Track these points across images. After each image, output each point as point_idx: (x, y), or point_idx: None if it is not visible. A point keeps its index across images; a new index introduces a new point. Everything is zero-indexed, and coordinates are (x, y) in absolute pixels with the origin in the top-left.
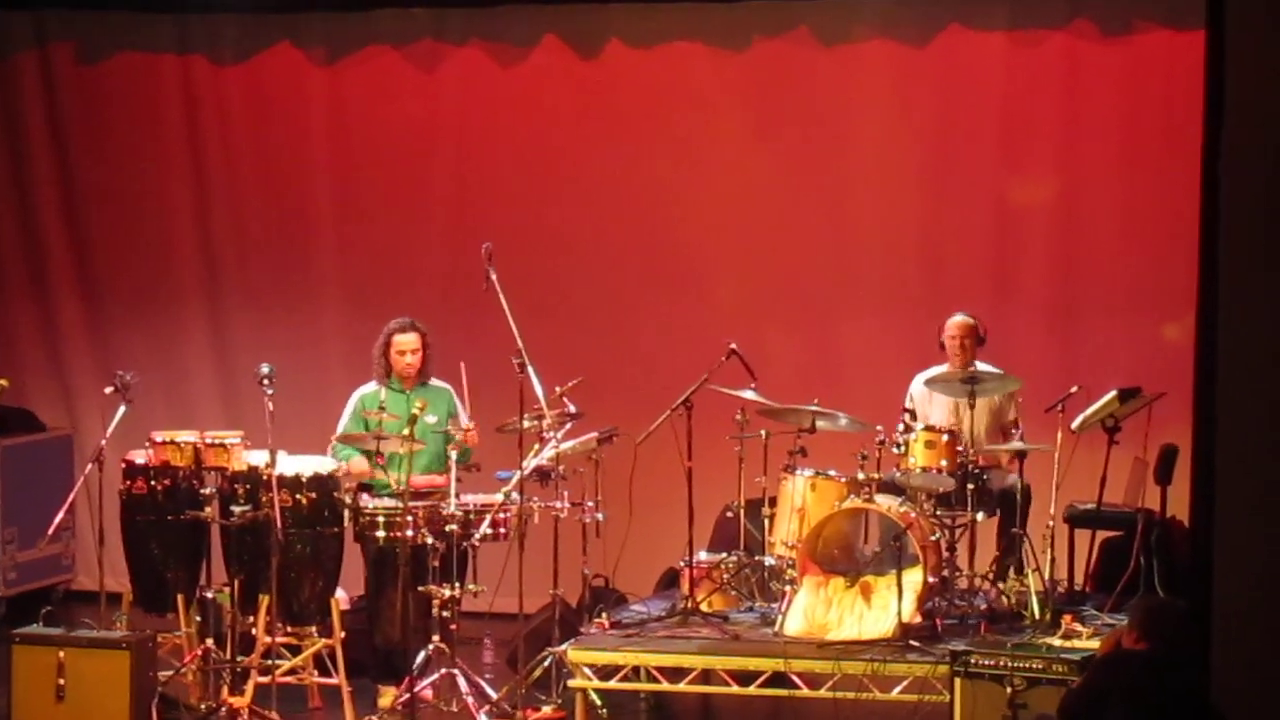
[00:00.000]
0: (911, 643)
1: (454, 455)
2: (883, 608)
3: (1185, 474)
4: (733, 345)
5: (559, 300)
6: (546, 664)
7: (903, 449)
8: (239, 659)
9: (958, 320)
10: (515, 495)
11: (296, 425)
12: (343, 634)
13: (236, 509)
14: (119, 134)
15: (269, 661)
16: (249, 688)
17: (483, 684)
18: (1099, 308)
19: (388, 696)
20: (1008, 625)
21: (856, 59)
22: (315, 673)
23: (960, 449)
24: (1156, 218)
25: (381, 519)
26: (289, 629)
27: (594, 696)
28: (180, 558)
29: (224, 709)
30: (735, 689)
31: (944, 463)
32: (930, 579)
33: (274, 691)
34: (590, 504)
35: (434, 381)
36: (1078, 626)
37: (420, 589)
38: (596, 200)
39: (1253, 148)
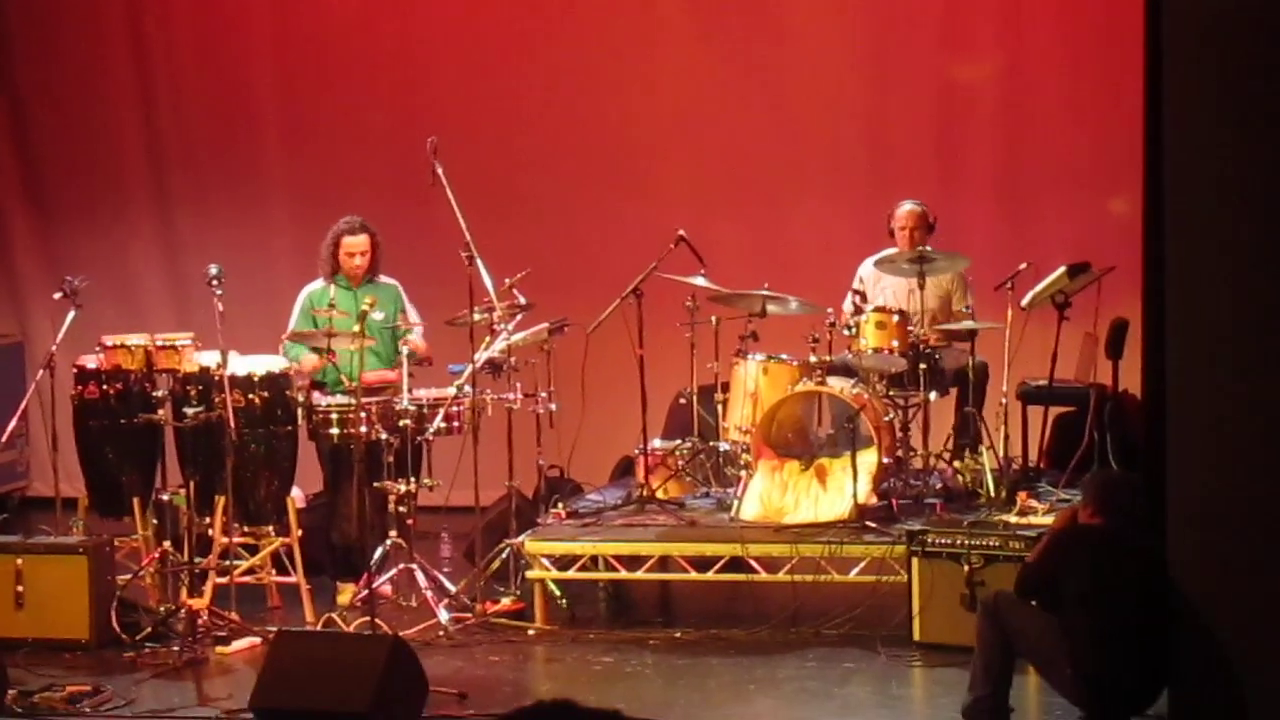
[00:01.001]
0: (868, 524)
1: (405, 351)
2: (838, 490)
3: (1136, 347)
4: (681, 232)
5: (506, 193)
6: (504, 556)
7: (853, 331)
8: (196, 561)
9: (907, 209)
10: (468, 388)
11: (246, 325)
12: (299, 532)
13: (189, 411)
14: (61, 38)
15: (227, 562)
16: (207, 589)
17: (441, 578)
18: (1045, 185)
19: (346, 593)
20: (963, 504)
21: None
22: (273, 572)
23: (911, 329)
24: (1100, 92)
25: (335, 416)
26: (245, 529)
27: (552, 587)
28: (134, 461)
29: (183, 611)
30: (693, 575)
31: (895, 343)
32: (885, 460)
33: (233, 592)
34: (543, 395)
35: (381, 278)
36: (1033, 503)
37: (376, 485)
38: (541, 92)
39: (1194, 16)
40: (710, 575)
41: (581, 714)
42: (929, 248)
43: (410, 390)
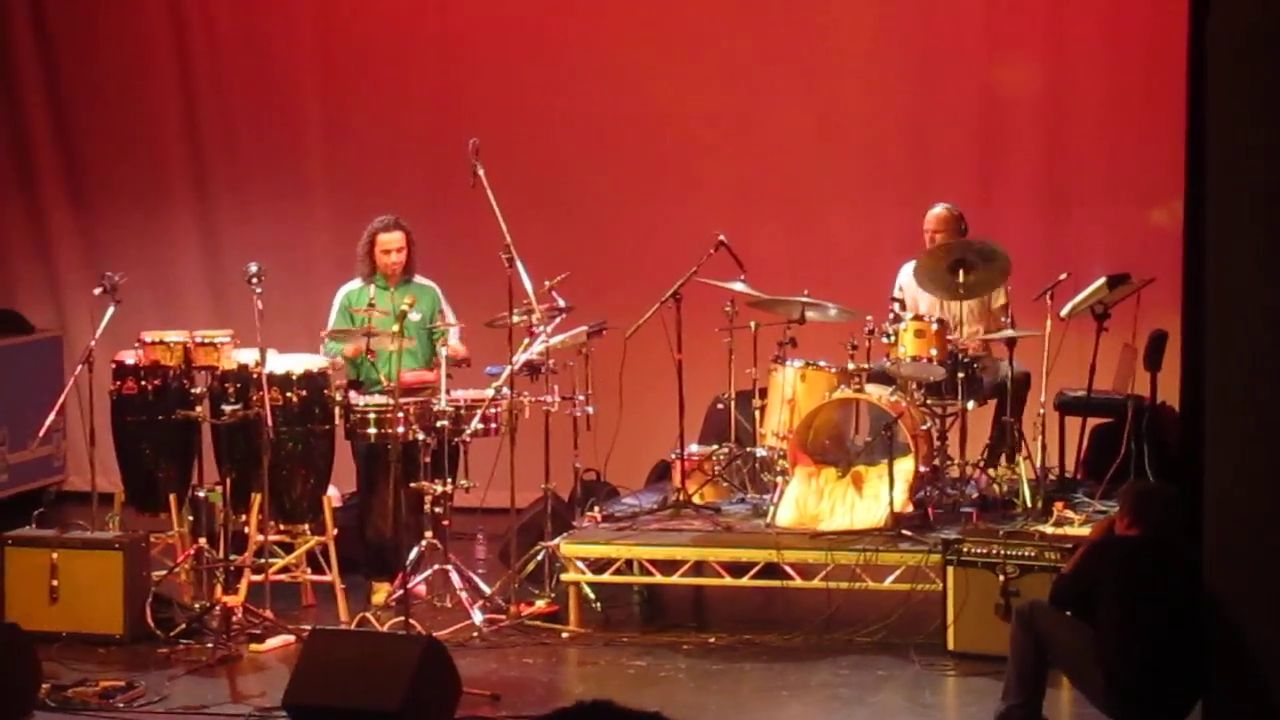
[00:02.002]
0: (904, 532)
1: (443, 352)
2: (874, 497)
3: (1175, 359)
4: (721, 237)
5: (546, 194)
6: (539, 558)
7: (892, 338)
8: (232, 558)
9: (935, 213)
10: (505, 390)
11: (285, 323)
12: (335, 531)
13: (227, 408)
14: (106, 33)
15: (262, 560)
16: (242, 586)
17: (476, 579)
18: (1087, 194)
19: (381, 593)
20: (999, 513)
21: None
22: (308, 570)
23: (950, 337)
24: (1142, 102)
25: (372, 416)
26: (281, 527)
27: (587, 590)
28: (171, 457)
29: (218, 608)
30: (728, 580)
31: (934, 351)
32: (922, 468)
33: (267, 589)
34: (580, 398)
35: (418, 279)
36: (1069, 514)
37: (412, 485)
38: (583, 94)
39: (1238, 28)
40: (745, 581)
41: (621, 715)
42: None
43: (448, 391)
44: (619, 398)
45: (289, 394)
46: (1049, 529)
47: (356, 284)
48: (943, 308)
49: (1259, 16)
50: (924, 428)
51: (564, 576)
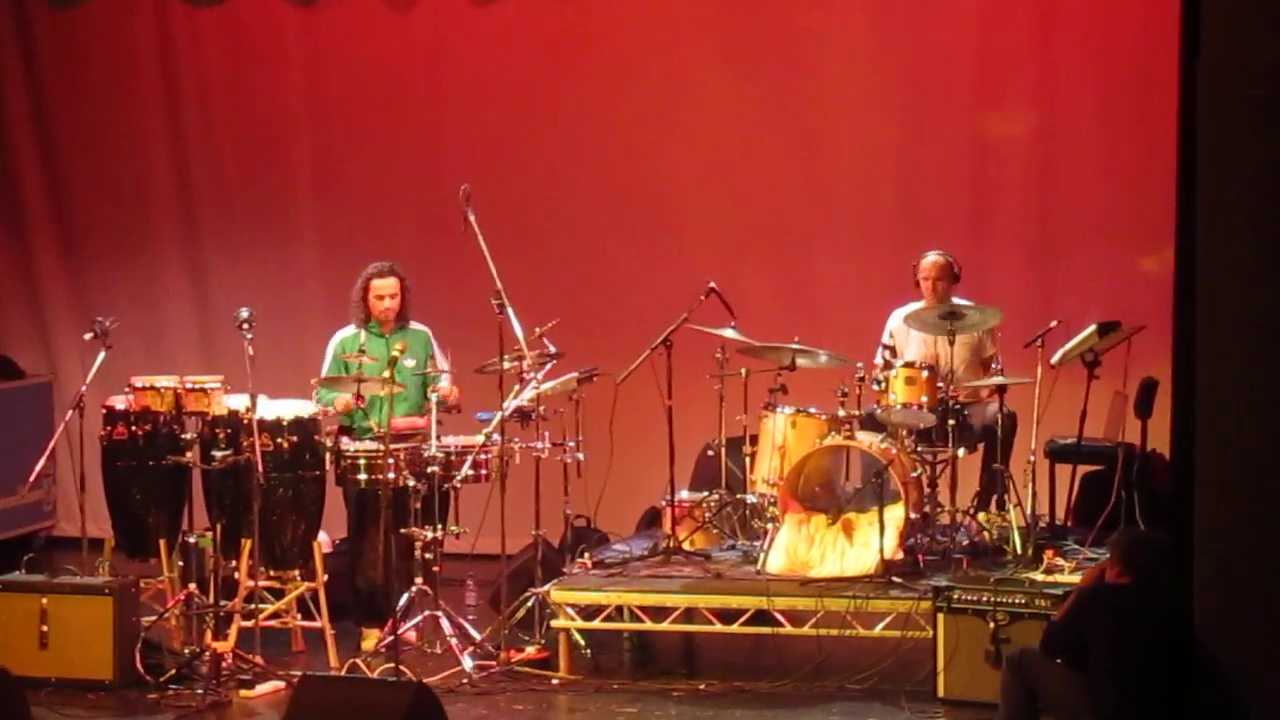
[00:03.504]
0: (894, 579)
1: (434, 398)
2: (865, 544)
3: (1165, 407)
4: (712, 284)
5: (537, 241)
6: (529, 604)
7: (882, 385)
8: (222, 603)
9: (930, 260)
10: (496, 436)
11: (275, 368)
12: (325, 577)
13: (217, 453)
14: (94, 78)
15: (252, 606)
16: (232, 632)
17: (466, 625)
18: (1077, 241)
19: (371, 639)
20: (990, 560)
21: None
22: (298, 616)
23: (940, 385)
24: (1133, 150)
25: (363, 462)
26: (271, 573)
27: (577, 636)
28: (161, 503)
29: (207, 653)
30: (718, 627)
31: (924, 398)
32: (912, 515)
33: (257, 635)
34: (571, 444)
35: (412, 324)
36: (1059, 561)
37: (402, 531)
38: (573, 140)
39: (1229, 77)
40: (735, 627)
41: None
42: (957, 300)
43: (439, 437)
44: (610, 444)
45: (279, 439)
46: (1039, 576)
47: (350, 330)
48: (933, 355)
49: (1249, 60)
50: (914, 474)
51: (554, 623)
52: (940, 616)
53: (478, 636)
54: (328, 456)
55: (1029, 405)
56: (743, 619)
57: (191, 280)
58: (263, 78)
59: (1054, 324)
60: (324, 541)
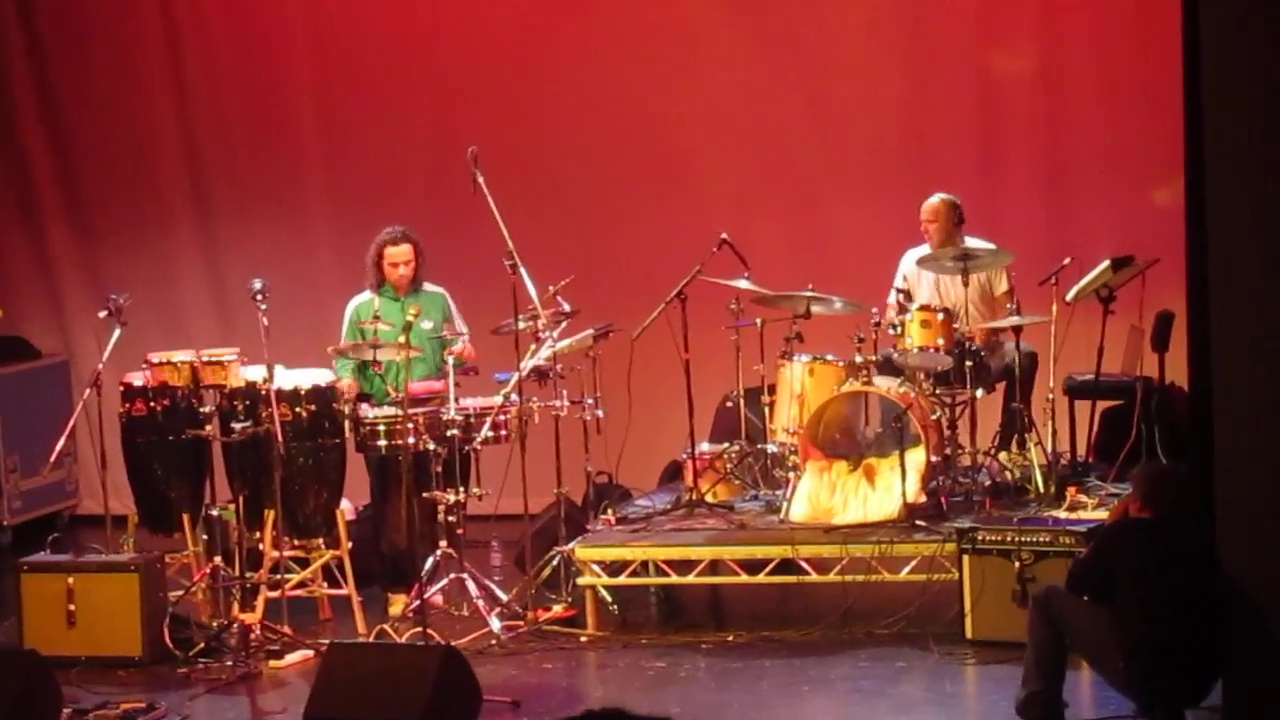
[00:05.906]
0: (917, 522)
1: (451, 360)
2: (887, 489)
3: (1182, 340)
4: (724, 235)
5: (547, 199)
6: (555, 563)
7: (899, 330)
8: (247, 575)
9: (930, 204)
10: (514, 396)
11: (291, 337)
12: (349, 544)
13: (237, 425)
14: (100, 53)
15: (277, 576)
16: (259, 603)
17: (492, 586)
18: (1087, 177)
19: (398, 604)
20: (1012, 500)
21: None
22: (324, 584)
23: (956, 326)
24: (1139, 82)
25: (382, 428)
26: (295, 542)
27: (604, 593)
28: (183, 477)
29: (235, 625)
30: (744, 578)
31: (940, 341)
32: (933, 458)
33: (284, 605)
34: (590, 401)
35: (427, 286)
36: (1082, 498)
37: (425, 495)
38: (580, 97)
39: (1231, 3)
40: (761, 578)
41: None
42: (968, 238)
43: (457, 400)
44: (628, 399)
45: (298, 409)
46: (1063, 514)
47: (365, 295)
48: (945, 296)
49: None
50: (934, 417)
51: (580, 580)
52: (965, 558)
53: (504, 597)
54: (347, 423)
55: (1045, 343)
56: (768, 569)
57: (203, 253)
58: (268, 46)
59: (1067, 261)
60: (347, 509)
